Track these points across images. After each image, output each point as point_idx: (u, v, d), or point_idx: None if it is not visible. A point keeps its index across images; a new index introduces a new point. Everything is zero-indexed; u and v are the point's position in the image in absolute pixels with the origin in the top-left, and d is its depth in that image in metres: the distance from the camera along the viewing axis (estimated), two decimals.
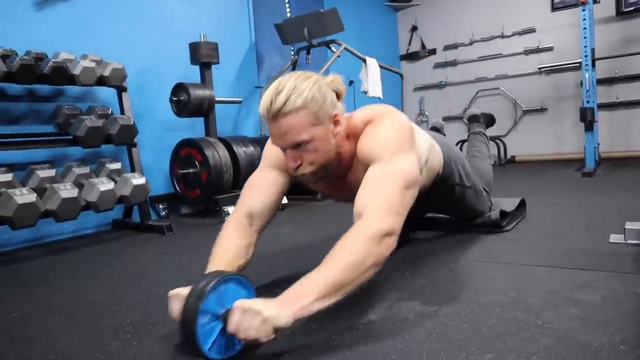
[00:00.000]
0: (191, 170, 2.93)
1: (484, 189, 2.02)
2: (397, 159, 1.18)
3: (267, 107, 1.13)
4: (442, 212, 2.07)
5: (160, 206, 3.09)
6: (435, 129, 2.81)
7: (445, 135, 2.86)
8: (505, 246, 1.76)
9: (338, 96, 1.25)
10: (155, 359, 1.01)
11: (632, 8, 4.70)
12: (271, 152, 1.38)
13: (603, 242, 1.67)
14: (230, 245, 1.24)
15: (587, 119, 3.71)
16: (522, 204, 2.25)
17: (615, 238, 1.68)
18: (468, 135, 2.65)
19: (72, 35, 2.70)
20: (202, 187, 2.91)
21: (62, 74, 2.32)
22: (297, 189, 3.26)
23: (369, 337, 1.03)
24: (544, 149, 5.26)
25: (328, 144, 1.21)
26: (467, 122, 2.77)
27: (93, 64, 2.46)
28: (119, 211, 2.79)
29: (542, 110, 5.28)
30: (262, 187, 1.35)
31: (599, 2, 4.73)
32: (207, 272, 1.12)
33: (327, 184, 1.41)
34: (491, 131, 5.10)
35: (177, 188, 3.05)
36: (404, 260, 1.63)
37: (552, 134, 5.24)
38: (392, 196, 1.11)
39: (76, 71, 2.38)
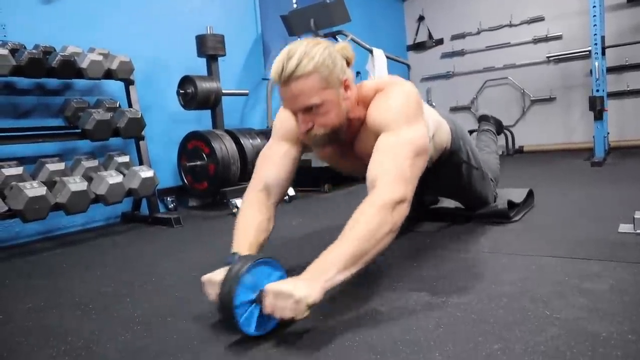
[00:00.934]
0: (199, 163, 2.94)
1: (491, 179, 2.02)
2: (407, 128, 1.22)
3: (278, 72, 1.17)
4: (449, 194, 2.05)
5: (168, 199, 3.11)
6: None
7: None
8: (513, 237, 1.75)
9: (347, 63, 1.28)
10: (166, 349, 1.02)
11: None
12: (281, 124, 1.42)
13: (612, 232, 1.66)
14: (252, 220, 1.28)
15: (597, 108, 3.67)
16: (530, 195, 2.24)
17: (624, 228, 1.67)
18: (477, 133, 2.66)
19: (80, 28, 2.70)
20: (210, 180, 2.93)
21: (70, 68, 2.34)
22: (304, 181, 3.27)
23: (376, 327, 1.04)
24: (552, 139, 5.21)
25: (338, 107, 1.25)
26: (477, 121, 2.80)
27: (100, 58, 2.47)
28: (128, 204, 2.81)
29: (550, 99, 5.23)
30: (276, 160, 1.39)
31: None
32: (233, 249, 1.21)
33: (334, 151, 1.45)
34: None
35: (185, 181, 3.07)
36: (411, 250, 1.64)
37: (561, 123, 5.20)
38: (403, 165, 1.16)
39: (84, 65, 2.39)
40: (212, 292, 1.06)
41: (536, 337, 0.93)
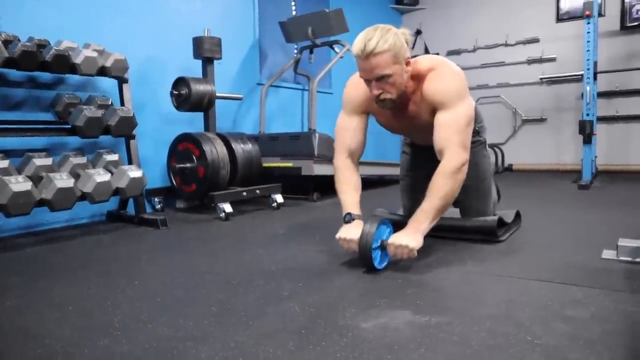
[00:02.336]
0: (188, 165, 2.92)
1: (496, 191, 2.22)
2: (460, 104, 1.63)
3: (361, 48, 1.52)
4: None
5: (155, 199, 3.09)
6: None
7: None
8: (499, 257, 1.76)
9: (407, 44, 1.61)
10: (145, 357, 1.01)
11: (637, 23, 4.71)
12: (349, 99, 1.84)
13: (595, 257, 1.68)
14: (350, 182, 1.81)
15: (586, 131, 3.73)
16: (517, 215, 2.26)
17: (607, 254, 1.69)
18: None
19: (76, 24, 2.68)
20: (199, 183, 2.91)
21: (63, 62, 2.31)
22: (293, 188, 3.25)
23: (358, 345, 1.03)
24: (541, 159, 5.28)
25: (402, 78, 1.61)
26: None
27: (95, 54, 2.45)
28: (114, 203, 2.78)
29: (541, 120, 5.29)
30: (352, 130, 1.83)
31: (604, 16, 4.75)
32: (345, 209, 1.75)
33: (392, 114, 1.81)
34: (490, 139, 5.12)
35: (174, 182, 3.05)
36: (397, 267, 1.64)
37: (551, 144, 5.26)
38: (462, 134, 1.61)
39: (78, 60, 2.36)
40: (350, 246, 1.62)
41: None
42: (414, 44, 6.08)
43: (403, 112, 1.78)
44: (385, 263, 1.60)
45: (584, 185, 3.62)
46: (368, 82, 1.61)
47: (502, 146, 5.41)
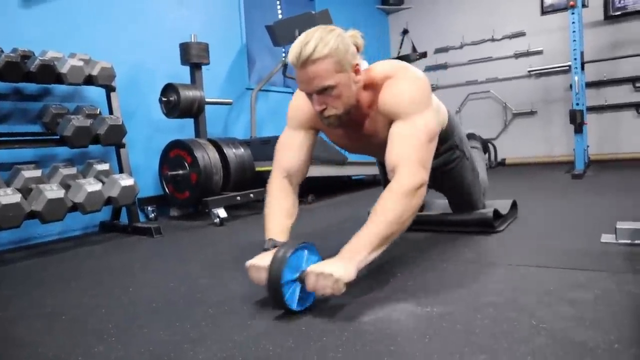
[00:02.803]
0: (180, 172, 2.89)
1: (483, 191, 2.04)
2: (419, 115, 1.34)
3: (296, 55, 1.26)
4: (439, 184, 1.98)
5: (149, 208, 3.05)
6: (472, 136, 2.86)
7: None
8: (497, 247, 1.75)
9: (357, 49, 1.37)
10: None
11: (620, 12, 4.75)
12: (294, 113, 1.56)
13: (595, 242, 1.67)
14: (279, 207, 1.45)
15: (577, 121, 3.74)
16: (513, 205, 2.25)
17: (606, 238, 1.68)
18: None
19: (61, 33, 2.65)
20: (192, 189, 2.88)
21: (49, 73, 2.28)
22: None
23: (360, 338, 1.01)
24: (534, 152, 5.28)
25: (350, 90, 1.34)
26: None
27: (81, 63, 2.42)
28: (107, 213, 2.74)
29: (531, 113, 5.31)
30: (293, 147, 1.52)
31: (588, 6, 4.78)
32: (267, 235, 1.38)
33: (345, 132, 1.55)
34: (481, 134, 5.12)
35: (166, 190, 3.01)
36: (395, 261, 1.61)
37: (542, 136, 5.27)
38: (419, 151, 1.30)
39: (64, 70, 2.33)
40: (259, 275, 1.20)
41: (523, 347, 0.91)
42: (400, 44, 6.10)
43: (358, 130, 1.51)
44: (308, 303, 1.20)
45: (578, 175, 3.62)
46: (309, 95, 1.36)
47: (494, 141, 5.41)
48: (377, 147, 1.50)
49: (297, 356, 0.95)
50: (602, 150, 4.83)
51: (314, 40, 1.25)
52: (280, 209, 1.44)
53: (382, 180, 2.07)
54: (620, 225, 1.63)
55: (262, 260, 1.21)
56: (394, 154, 1.31)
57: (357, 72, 1.35)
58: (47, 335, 1.17)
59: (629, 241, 1.60)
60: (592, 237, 1.72)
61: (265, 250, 1.30)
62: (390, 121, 1.39)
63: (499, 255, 1.62)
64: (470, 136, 2.77)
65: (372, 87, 1.41)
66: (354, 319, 1.12)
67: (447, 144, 1.79)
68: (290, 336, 1.04)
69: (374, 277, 1.45)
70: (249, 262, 1.25)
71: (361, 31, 1.42)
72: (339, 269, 1.10)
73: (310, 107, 1.44)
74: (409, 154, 1.29)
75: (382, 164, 1.93)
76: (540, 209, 2.47)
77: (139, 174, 2.85)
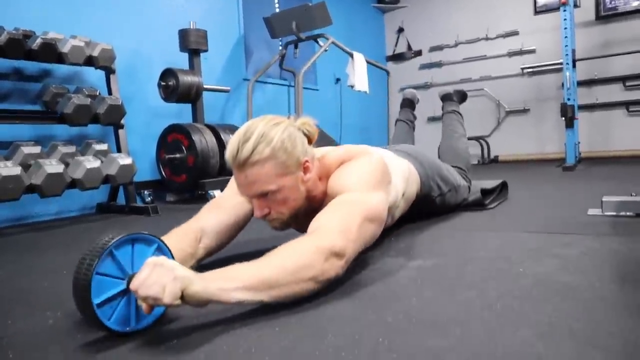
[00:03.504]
0: (178, 156, 2.93)
1: (462, 171, 2.06)
2: (364, 193, 1.13)
3: (233, 155, 1.05)
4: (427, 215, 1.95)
5: (145, 192, 3.07)
6: (408, 101, 2.80)
7: (418, 100, 2.80)
8: (488, 219, 1.80)
9: (310, 140, 1.18)
10: None
11: (611, 13, 4.85)
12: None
13: (582, 214, 1.73)
14: (173, 245, 0.98)
15: (568, 115, 3.81)
16: (504, 186, 2.30)
17: (593, 211, 1.74)
18: (442, 115, 2.63)
19: (61, 17, 2.69)
20: (189, 172, 2.91)
21: (50, 51, 2.31)
22: None
23: (354, 284, 1.05)
24: (526, 149, 5.36)
25: (297, 192, 1.14)
26: (440, 100, 2.75)
27: (82, 43, 2.45)
28: (104, 195, 2.77)
29: (524, 111, 5.39)
30: (222, 208, 1.25)
31: (580, 6, 4.88)
32: None
33: (297, 228, 1.28)
34: (475, 131, 5.23)
35: (163, 173, 3.05)
36: (386, 232, 1.66)
37: (535, 134, 5.36)
38: (351, 222, 1.02)
39: (65, 49, 2.37)
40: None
41: (510, 286, 0.96)
42: (396, 42, 6.18)
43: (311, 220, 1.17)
44: (135, 321, 0.81)
45: (569, 167, 3.69)
46: (249, 199, 1.15)
47: (487, 138, 5.49)
48: None
49: None
50: (593, 148, 4.91)
51: (254, 139, 1.04)
52: (174, 246, 1.01)
53: None
54: (606, 198, 1.69)
55: None
56: (319, 219, 1.04)
57: (306, 170, 1.14)
58: (51, 285, 1.20)
59: (614, 213, 1.66)
60: (580, 211, 1.78)
61: None
62: None
63: (489, 225, 1.67)
64: (446, 97, 2.68)
65: (327, 176, 1.22)
66: (347, 270, 1.16)
67: (426, 199, 1.68)
68: None
69: None
70: None
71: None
72: (186, 272, 0.78)
73: None
74: (337, 220, 1.02)
75: None
76: (532, 193, 2.53)
77: (136, 159, 2.86)
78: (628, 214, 1.63)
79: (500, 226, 1.64)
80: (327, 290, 0.98)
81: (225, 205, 1.26)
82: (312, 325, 0.82)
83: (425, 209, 1.76)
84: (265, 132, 1.06)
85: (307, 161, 1.14)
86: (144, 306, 0.77)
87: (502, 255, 1.22)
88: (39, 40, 2.27)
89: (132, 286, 0.77)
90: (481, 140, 5.45)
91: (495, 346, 0.69)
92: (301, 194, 1.15)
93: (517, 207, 2.04)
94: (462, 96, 2.71)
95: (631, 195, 1.67)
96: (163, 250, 0.88)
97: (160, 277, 0.76)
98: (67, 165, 2.24)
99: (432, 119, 5.77)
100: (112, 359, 0.74)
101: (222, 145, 3.04)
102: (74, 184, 2.23)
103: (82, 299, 0.75)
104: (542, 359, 0.64)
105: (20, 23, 2.43)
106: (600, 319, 0.77)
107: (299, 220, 1.20)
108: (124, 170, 2.40)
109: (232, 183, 1.27)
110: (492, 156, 5.45)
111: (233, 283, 0.82)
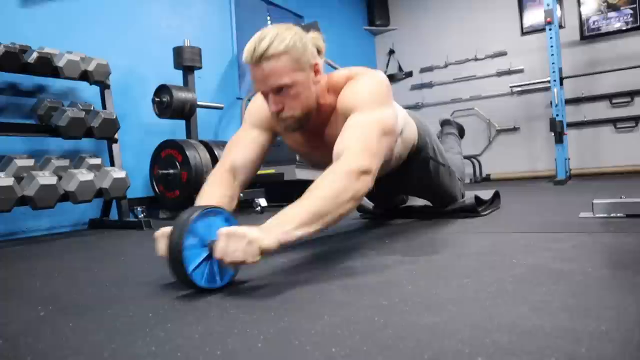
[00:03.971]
0: (171, 171, 2.93)
1: (459, 178, 2.09)
2: (376, 108, 1.23)
3: (250, 52, 1.16)
4: (418, 192, 2.06)
5: (138, 208, 3.06)
6: (448, 122, 2.89)
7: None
8: (482, 224, 1.81)
9: (318, 52, 1.28)
10: (138, 297, 1.00)
11: (594, 33, 4.99)
12: (253, 111, 1.43)
13: (573, 217, 1.74)
14: (215, 193, 1.25)
15: (557, 129, 3.87)
16: (496, 196, 2.32)
17: (584, 214, 1.75)
18: (441, 137, 2.72)
19: (57, 34, 2.72)
20: (182, 188, 2.91)
21: (46, 65, 2.34)
22: (276, 195, 3.24)
23: (350, 275, 1.05)
24: (517, 167, 5.41)
25: (309, 90, 1.24)
26: (440, 125, 2.85)
27: (77, 58, 2.48)
28: (97, 211, 2.76)
29: (514, 129, 5.47)
30: (244, 144, 1.39)
31: (565, 27, 5.01)
32: None
33: (304, 139, 1.44)
34: (467, 150, 5.27)
35: (157, 189, 3.04)
36: (382, 234, 1.67)
37: (525, 152, 5.42)
38: (370, 139, 1.16)
39: (60, 63, 2.39)
40: (160, 244, 1.02)
41: (503, 274, 0.96)
42: (387, 64, 6.29)
43: (318, 137, 1.39)
44: (221, 283, 0.99)
45: (560, 181, 3.73)
46: (265, 95, 1.26)
47: (478, 157, 5.54)
48: None
49: (286, 284, 0.98)
50: (582, 165, 4.97)
51: (270, 37, 1.16)
52: (215, 195, 1.24)
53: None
54: (597, 200, 1.71)
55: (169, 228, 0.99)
56: (342, 140, 1.17)
57: (317, 72, 1.26)
58: (43, 285, 1.19)
59: (605, 215, 1.68)
60: (571, 215, 1.79)
61: None
62: None
63: (482, 228, 1.68)
64: (445, 122, 2.83)
65: (335, 90, 1.32)
66: (343, 264, 1.16)
67: (420, 155, 1.73)
68: (286, 289, 1.07)
69: (363, 243, 1.49)
70: (158, 232, 1.05)
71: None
72: (254, 232, 0.92)
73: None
74: (358, 140, 1.15)
75: None
76: (524, 202, 2.56)
77: (129, 175, 2.87)
78: (619, 215, 1.65)
79: (494, 229, 1.65)
80: (320, 280, 0.99)
81: (244, 142, 1.40)
82: (306, 309, 0.82)
83: (420, 176, 1.78)
84: (279, 32, 1.18)
85: (317, 64, 1.25)
86: (231, 267, 0.97)
87: (495, 251, 1.23)
88: (34, 54, 2.29)
89: (217, 255, 0.92)
90: (473, 159, 5.50)
91: (491, 319, 0.69)
92: (312, 94, 1.26)
93: (510, 214, 2.06)
94: (460, 129, 2.83)
95: (621, 197, 1.69)
96: (229, 220, 1.02)
97: (237, 244, 0.91)
98: (60, 177, 2.24)
99: None
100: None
101: (215, 162, 3.05)
102: (66, 196, 2.22)
103: (179, 273, 0.92)
104: (537, 328, 0.64)
105: (17, 38, 2.46)
106: (594, 295, 0.78)
107: (308, 131, 1.35)
108: (117, 183, 2.40)
109: (247, 117, 1.44)
110: (484, 174, 5.50)
111: (291, 224, 0.97)
